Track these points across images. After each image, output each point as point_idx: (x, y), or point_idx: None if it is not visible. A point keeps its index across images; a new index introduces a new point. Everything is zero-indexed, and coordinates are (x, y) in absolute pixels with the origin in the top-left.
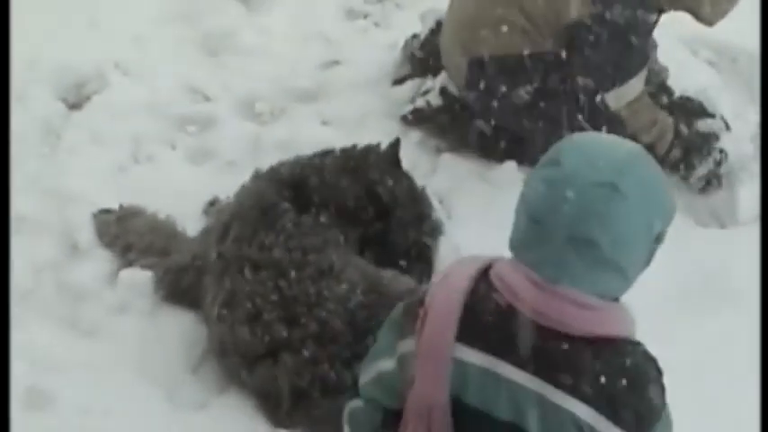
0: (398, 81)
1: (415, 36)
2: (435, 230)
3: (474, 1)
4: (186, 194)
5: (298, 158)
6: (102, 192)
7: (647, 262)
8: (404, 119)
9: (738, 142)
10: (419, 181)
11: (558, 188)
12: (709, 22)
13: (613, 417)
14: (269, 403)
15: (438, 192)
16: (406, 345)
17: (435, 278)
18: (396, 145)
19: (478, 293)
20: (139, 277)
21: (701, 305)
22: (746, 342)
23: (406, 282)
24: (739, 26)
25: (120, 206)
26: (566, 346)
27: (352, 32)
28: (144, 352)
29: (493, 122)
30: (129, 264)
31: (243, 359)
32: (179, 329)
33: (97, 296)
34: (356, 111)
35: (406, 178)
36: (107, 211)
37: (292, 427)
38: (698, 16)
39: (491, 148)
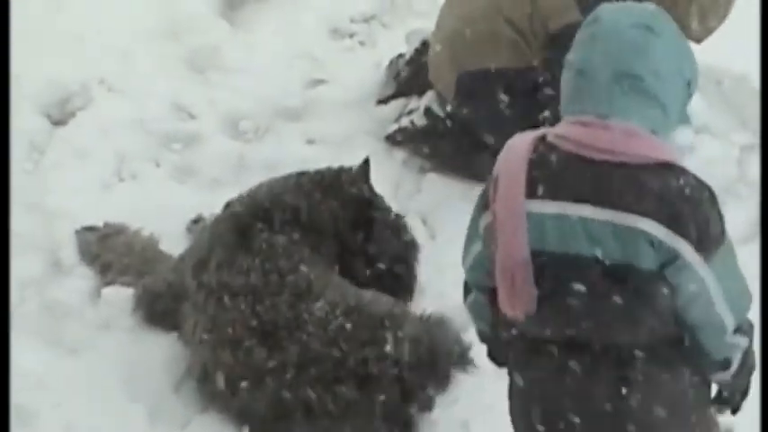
0: (383, 101)
1: (400, 56)
2: (413, 248)
3: (462, 17)
4: (170, 212)
5: (271, 180)
6: (86, 209)
7: (683, 107)
8: (388, 138)
9: (723, 165)
10: (403, 201)
11: (599, 38)
12: (696, 39)
13: (679, 230)
14: (251, 425)
15: (422, 211)
16: (485, 218)
17: (500, 153)
18: (366, 163)
19: (539, 153)
20: (122, 295)
21: None
22: None
23: (386, 301)
24: (725, 49)
25: (104, 224)
26: (624, 174)
27: (337, 51)
28: (127, 370)
29: (481, 137)
30: (110, 282)
31: (226, 383)
32: (161, 347)
33: (80, 313)
34: (341, 130)
35: (377, 196)
36: (90, 229)
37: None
38: (686, 33)
39: (477, 166)
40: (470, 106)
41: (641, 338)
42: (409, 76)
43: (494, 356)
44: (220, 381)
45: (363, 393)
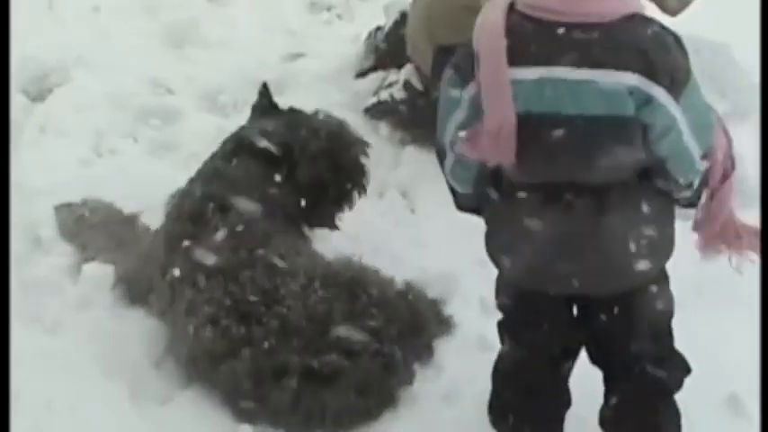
0: (362, 74)
1: (378, 28)
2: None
3: None
4: (149, 187)
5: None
6: (65, 185)
7: None
8: (367, 111)
9: None
10: (382, 175)
11: None
12: (673, 12)
13: (654, 77)
14: (232, 397)
15: (402, 185)
16: (470, 89)
17: (476, 25)
18: (264, 90)
19: (512, 22)
20: (102, 272)
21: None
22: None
23: (364, 270)
24: (703, 19)
25: (82, 201)
26: (599, 33)
27: (315, 25)
28: (107, 347)
29: None
30: (90, 259)
31: (207, 360)
32: (141, 325)
33: (60, 291)
34: (320, 103)
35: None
36: (68, 206)
37: (256, 420)
38: (662, 6)
39: None
40: None
41: (616, 173)
42: (388, 49)
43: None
44: (204, 361)
45: (343, 367)
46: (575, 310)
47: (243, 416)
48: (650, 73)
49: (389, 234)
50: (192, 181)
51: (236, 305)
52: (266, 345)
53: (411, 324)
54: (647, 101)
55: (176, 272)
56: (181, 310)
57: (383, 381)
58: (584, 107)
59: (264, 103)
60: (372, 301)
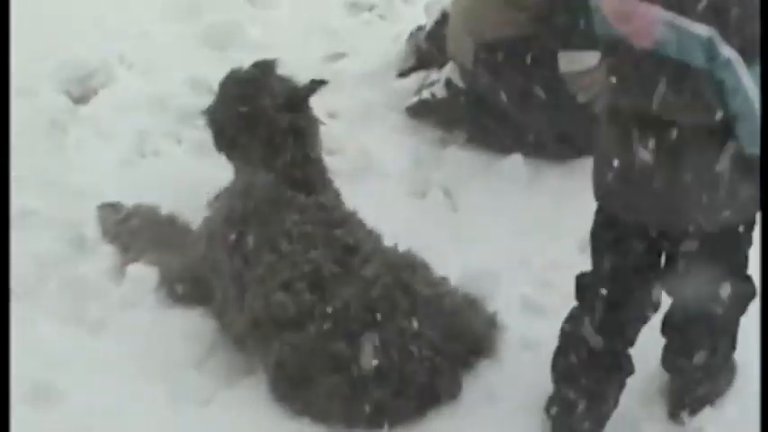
0: (403, 73)
1: (420, 28)
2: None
3: None
4: (192, 188)
5: None
6: (108, 186)
7: None
8: (409, 111)
9: None
10: (424, 174)
11: None
12: None
13: (726, 36)
14: (282, 374)
15: (444, 184)
16: None
17: None
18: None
19: None
20: (146, 273)
21: None
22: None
23: (436, 282)
24: None
25: (122, 205)
26: None
27: (357, 25)
28: (149, 348)
29: (502, 108)
30: (133, 260)
31: (274, 326)
32: (184, 326)
33: (103, 291)
34: (361, 103)
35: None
36: (111, 206)
37: (298, 404)
38: None
39: (499, 137)
40: (490, 77)
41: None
42: (429, 49)
43: None
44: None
45: (394, 363)
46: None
47: (287, 397)
48: (724, 29)
49: (431, 233)
50: None
51: (313, 275)
52: (327, 325)
53: (465, 337)
54: (720, 57)
55: (251, 240)
56: (254, 276)
57: (430, 383)
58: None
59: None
60: (432, 309)
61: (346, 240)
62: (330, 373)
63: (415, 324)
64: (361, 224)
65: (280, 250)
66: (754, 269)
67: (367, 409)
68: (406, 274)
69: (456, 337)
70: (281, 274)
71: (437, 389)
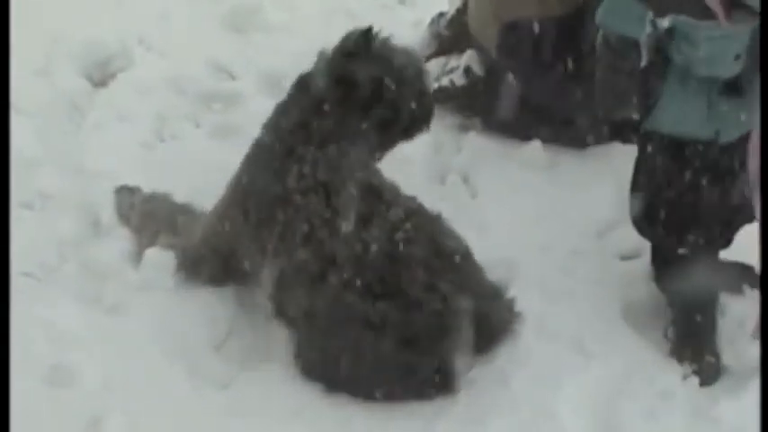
0: (424, 59)
1: (441, 14)
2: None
3: None
4: (211, 172)
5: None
6: (127, 169)
7: None
8: None
9: None
10: (444, 160)
11: None
12: None
13: None
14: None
15: (463, 170)
16: None
17: None
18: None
19: None
20: (164, 256)
21: None
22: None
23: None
24: None
25: (139, 188)
26: None
27: (377, 9)
28: (167, 329)
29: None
30: (150, 244)
31: (300, 286)
32: (202, 308)
33: (121, 273)
34: None
35: None
36: (128, 189)
37: (306, 356)
38: None
39: (518, 124)
40: (513, 60)
41: None
42: (450, 36)
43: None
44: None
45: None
46: None
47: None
48: None
49: (450, 219)
50: None
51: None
52: (346, 275)
53: (486, 326)
54: None
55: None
56: (276, 232)
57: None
58: None
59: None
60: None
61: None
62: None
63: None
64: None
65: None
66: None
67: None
68: (429, 222)
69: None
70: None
71: (452, 373)
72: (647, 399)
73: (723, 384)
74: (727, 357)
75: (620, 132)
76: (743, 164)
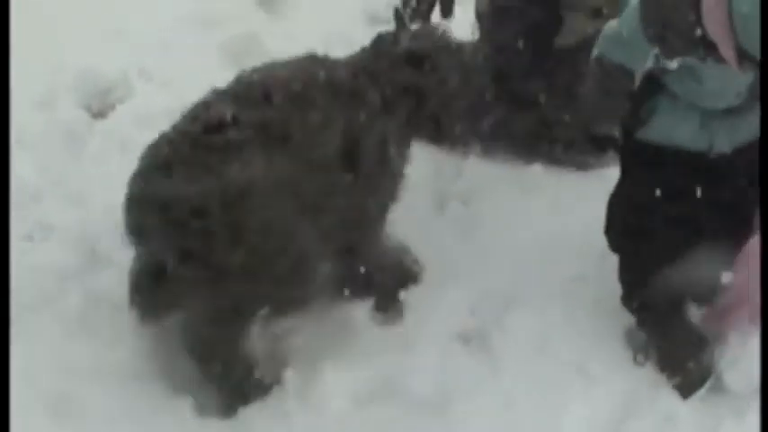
0: None
1: None
2: None
3: None
4: None
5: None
6: None
7: None
8: None
9: None
10: (444, 185)
11: None
12: None
13: None
14: None
15: (464, 195)
16: None
17: None
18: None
19: None
20: None
21: None
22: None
23: None
24: None
25: None
26: None
27: None
28: (172, 361)
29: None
30: None
31: None
32: None
33: (122, 305)
34: None
35: None
36: None
37: None
38: None
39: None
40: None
41: None
42: None
43: None
44: None
45: None
46: None
47: None
48: None
49: (450, 245)
50: None
51: None
52: None
53: None
54: None
55: None
56: None
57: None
58: None
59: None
60: None
61: None
62: None
63: None
64: None
65: None
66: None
67: None
68: None
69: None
70: None
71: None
72: (652, 421)
73: (727, 405)
74: (730, 378)
75: (601, 147)
76: (735, 174)
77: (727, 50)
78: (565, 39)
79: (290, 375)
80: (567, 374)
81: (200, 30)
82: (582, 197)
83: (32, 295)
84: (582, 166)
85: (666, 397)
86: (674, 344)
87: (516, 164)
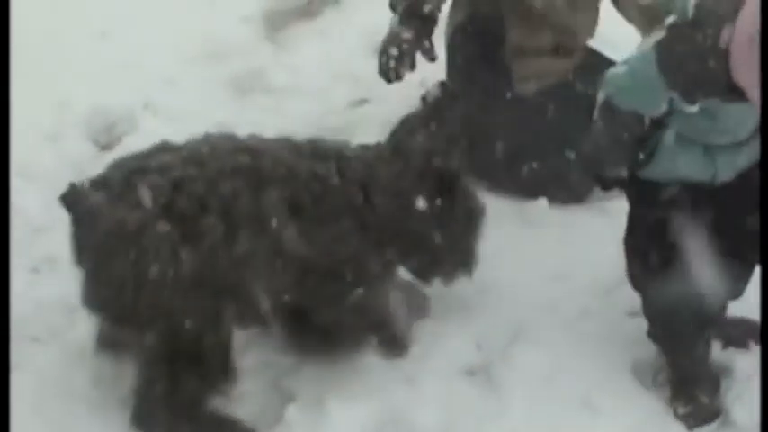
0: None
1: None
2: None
3: None
4: None
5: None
6: None
7: None
8: None
9: None
10: None
11: None
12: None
13: None
14: None
15: None
16: None
17: None
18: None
19: None
20: None
21: None
22: None
23: None
24: None
25: None
26: None
27: None
28: None
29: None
30: None
31: None
32: None
33: None
34: None
35: None
36: None
37: None
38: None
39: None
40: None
41: None
42: None
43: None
44: None
45: None
46: None
47: None
48: None
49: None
50: None
51: None
52: None
53: None
54: None
55: None
56: None
57: None
58: None
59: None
60: None
61: None
62: None
63: None
64: None
65: None
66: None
67: None
68: None
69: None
70: None
71: None
72: None
73: None
74: (737, 413)
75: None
76: (740, 196)
77: (755, 93)
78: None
79: (293, 411)
80: (573, 409)
81: (206, 64)
82: (587, 232)
83: (39, 328)
84: (576, 198)
85: (674, 430)
86: (692, 375)
87: (521, 199)
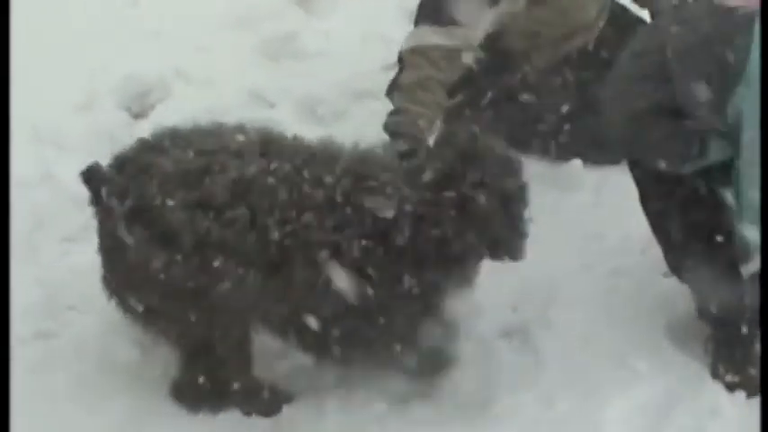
0: None
1: None
2: None
3: None
4: None
5: None
6: None
7: None
8: None
9: None
10: None
11: None
12: None
13: None
14: None
15: None
16: None
17: None
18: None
19: None
20: None
21: None
22: None
23: None
24: None
25: None
26: None
27: None
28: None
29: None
30: None
31: None
32: None
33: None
34: None
35: None
36: None
37: None
38: None
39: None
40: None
41: None
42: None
43: None
44: None
45: None
46: None
47: None
48: None
49: None
50: None
51: None
52: None
53: None
54: None
55: None
56: None
57: None
58: None
59: None
60: None
61: None
62: None
63: None
64: None
65: None
66: None
67: None
68: None
69: None
70: None
71: None
72: (696, 416)
73: None
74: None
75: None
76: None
77: None
78: None
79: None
80: (609, 369)
81: (237, 29)
82: (621, 193)
83: (74, 296)
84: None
85: (710, 391)
86: (741, 348)
87: (554, 162)
